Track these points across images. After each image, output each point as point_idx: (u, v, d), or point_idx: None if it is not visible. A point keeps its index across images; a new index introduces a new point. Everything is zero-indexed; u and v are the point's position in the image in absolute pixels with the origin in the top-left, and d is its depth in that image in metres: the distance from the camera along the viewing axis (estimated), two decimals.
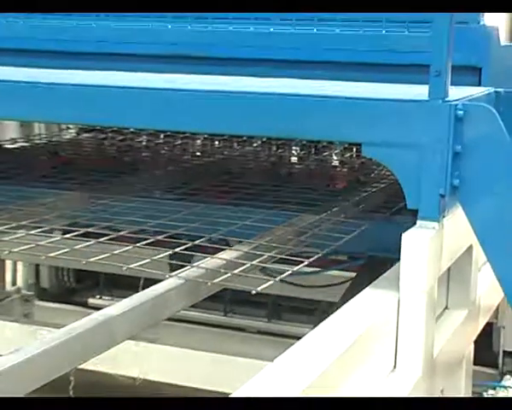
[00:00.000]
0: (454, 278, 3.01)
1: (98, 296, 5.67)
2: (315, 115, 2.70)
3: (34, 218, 3.14)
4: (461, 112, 2.47)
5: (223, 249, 2.75)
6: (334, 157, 4.31)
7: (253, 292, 2.28)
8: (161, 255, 2.54)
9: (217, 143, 4.76)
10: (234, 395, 1.77)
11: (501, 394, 4.21)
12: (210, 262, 2.60)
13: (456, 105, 2.48)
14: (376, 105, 2.64)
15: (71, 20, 3.69)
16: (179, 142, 4.76)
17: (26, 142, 4.97)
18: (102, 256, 2.53)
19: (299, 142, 4.51)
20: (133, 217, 3.02)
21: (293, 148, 4.61)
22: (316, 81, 3.08)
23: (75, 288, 6.04)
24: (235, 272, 2.48)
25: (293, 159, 4.59)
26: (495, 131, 2.49)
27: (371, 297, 2.48)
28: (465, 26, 3.24)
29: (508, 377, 4.47)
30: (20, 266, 5.72)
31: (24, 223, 3.08)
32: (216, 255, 2.64)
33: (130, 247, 2.62)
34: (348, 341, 2.18)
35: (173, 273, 2.48)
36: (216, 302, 5.20)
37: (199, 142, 4.78)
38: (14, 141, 4.91)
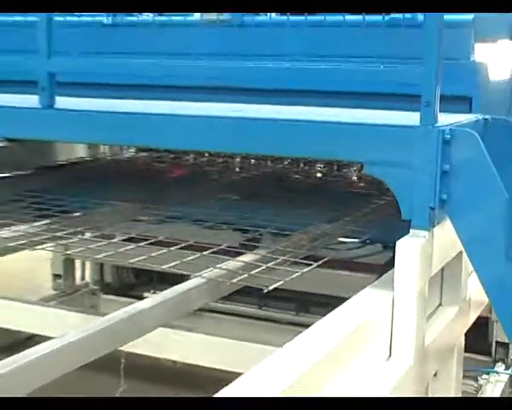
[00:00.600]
0: (446, 279, 3.13)
1: (152, 291, 5.84)
2: (326, 139, 2.86)
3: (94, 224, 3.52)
4: (448, 136, 2.61)
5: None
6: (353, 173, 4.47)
7: (265, 291, 2.50)
8: (191, 258, 2.77)
9: (252, 161, 5.01)
10: (242, 376, 1.93)
11: (492, 378, 4.38)
12: (231, 264, 2.80)
13: (444, 130, 2.62)
14: (375, 130, 2.78)
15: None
16: (221, 160, 5.06)
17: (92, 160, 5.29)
18: (142, 258, 2.79)
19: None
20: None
21: (318, 165, 4.84)
22: (321, 108, 3.27)
23: (134, 283, 6.27)
24: (252, 273, 2.69)
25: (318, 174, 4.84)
26: (477, 153, 2.61)
27: (369, 296, 2.63)
28: (457, 62, 3.35)
29: (499, 364, 4.69)
30: (87, 264, 5.96)
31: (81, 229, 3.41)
32: (236, 258, 2.85)
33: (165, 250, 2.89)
34: (348, 331, 2.34)
35: (197, 273, 2.68)
36: (252, 297, 5.41)
37: (238, 159, 5.03)
38: (82, 159, 5.24)
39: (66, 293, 5.78)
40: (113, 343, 2.51)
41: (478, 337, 4.25)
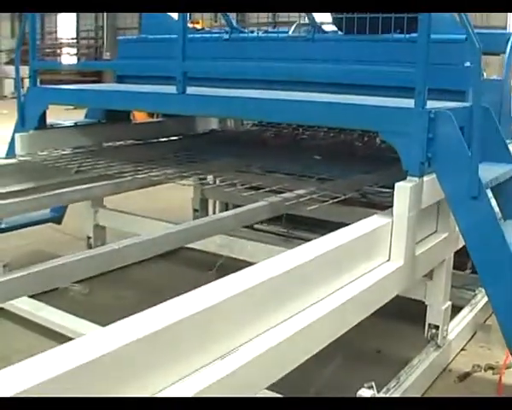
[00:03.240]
0: (440, 212, 3.36)
1: None
2: (358, 115, 3.19)
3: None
4: (432, 115, 2.90)
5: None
6: (378, 141, 4.65)
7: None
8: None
9: (331, 134, 5.21)
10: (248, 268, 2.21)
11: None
12: (287, 194, 3.20)
13: (430, 111, 2.90)
14: (387, 110, 3.11)
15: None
16: (309, 132, 5.32)
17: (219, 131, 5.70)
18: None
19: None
20: None
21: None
22: (359, 97, 3.54)
23: None
24: (300, 200, 3.08)
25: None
26: (451, 127, 2.88)
27: (376, 218, 2.95)
28: (455, 66, 3.61)
29: None
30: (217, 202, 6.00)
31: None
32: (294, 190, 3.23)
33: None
34: (359, 236, 2.69)
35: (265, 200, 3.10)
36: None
37: (322, 133, 5.24)
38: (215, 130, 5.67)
39: None
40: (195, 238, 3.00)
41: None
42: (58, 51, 29.82)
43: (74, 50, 31.13)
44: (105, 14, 28.03)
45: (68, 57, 30.23)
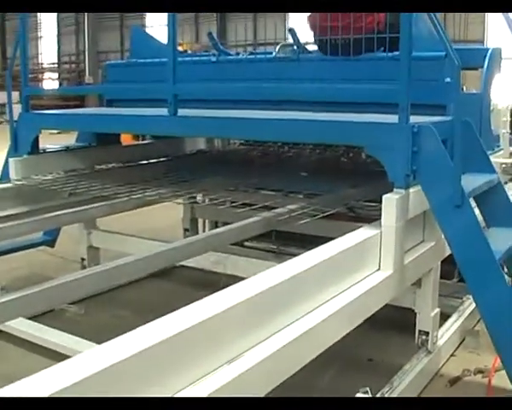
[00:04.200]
0: (427, 222, 3.46)
1: None
2: (344, 131, 3.32)
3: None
4: (416, 129, 3.03)
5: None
6: (363, 156, 4.72)
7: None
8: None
9: (317, 151, 5.34)
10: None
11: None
12: (279, 209, 3.32)
13: (414, 126, 3.03)
14: (372, 126, 3.23)
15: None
16: (295, 150, 5.44)
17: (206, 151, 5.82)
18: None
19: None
20: None
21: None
22: (345, 114, 3.65)
23: None
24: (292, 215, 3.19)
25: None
26: (434, 140, 3.02)
27: (366, 229, 3.07)
28: (436, 82, 3.72)
29: None
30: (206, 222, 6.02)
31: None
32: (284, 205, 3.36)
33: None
34: (349, 247, 2.80)
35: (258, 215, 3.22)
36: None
37: (307, 150, 5.38)
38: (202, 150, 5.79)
39: None
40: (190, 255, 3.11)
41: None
42: (40, 76, 29.88)
43: (56, 75, 31.21)
44: (86, 38, 28.15)
45: (50, 82, 30.31)
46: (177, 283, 5.34)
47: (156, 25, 26.49)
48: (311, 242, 2.88)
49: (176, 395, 1.82)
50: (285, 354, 2.26)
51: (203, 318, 1.97)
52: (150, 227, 6.37)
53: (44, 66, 31.57)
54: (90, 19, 28.08)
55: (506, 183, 4.42)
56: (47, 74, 31.17)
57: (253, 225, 3.25)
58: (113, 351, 1.72)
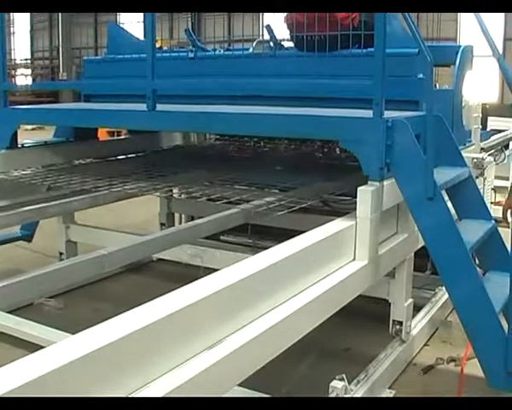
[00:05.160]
0: (400, 214, 3.57)
1: None
2: (320, 125, 3.40)
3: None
4: (390, 124, 3.12)
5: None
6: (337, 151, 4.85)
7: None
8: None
9: (292, 146, 5.46)
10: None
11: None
12: (257, 202, 3.39)
13: (388, 120, 3.13)
14: (347, 120, 3.31)
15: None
16: (270, 145, 5.55)
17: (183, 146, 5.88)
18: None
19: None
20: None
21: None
22: (321, 109, 3.73)
23: None
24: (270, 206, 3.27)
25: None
26: (407, 134, 3.10)
27: (342, 221, 3.16)
28: (409, 78, 3.84)
29: None
30: (183, 216, 6.05)
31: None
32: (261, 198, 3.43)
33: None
34: (324, 238, 2.87)
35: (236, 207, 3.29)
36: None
37: (283, 145, 5.49)
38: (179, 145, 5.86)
39: None
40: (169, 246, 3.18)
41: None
42: (13, 72, 29.61)
43: (29, 71, 30.96)
44: (60, 34, 27.97)
45: (23, 78, 30.06)
46: (156, 276, 5.40)
47: (129, 21, 26.37)
48: (286, 235, 2.94)
49: (154, 383, 1.87)
50: (261, 342, 2.32)
51: (179, 307, 2.01)
52: (126, 223, 6.41)
53: (17, 62, 31.28)
54: (64, 15, 27.89)
55: (477, 177, 4.54)
56: (20, 70, 30.90)
57: (229, 218, 3.32)
58: (87, 341, 1.75)
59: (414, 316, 4.05)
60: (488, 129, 6.36)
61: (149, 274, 5.45)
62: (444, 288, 3.99)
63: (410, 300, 3.88)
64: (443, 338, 4.25)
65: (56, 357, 1.66)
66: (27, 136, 5.83)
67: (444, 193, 3.25)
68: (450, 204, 3.39)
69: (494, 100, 19.68)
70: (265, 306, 2.45)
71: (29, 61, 32.08)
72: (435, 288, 4.63)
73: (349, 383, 3.09)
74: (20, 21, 32.22)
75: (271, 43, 4.52)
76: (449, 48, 4.44)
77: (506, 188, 4.80)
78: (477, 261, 3.55)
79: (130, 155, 5.23)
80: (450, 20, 22.01)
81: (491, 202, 5.59)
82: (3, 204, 3.93)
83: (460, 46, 4.35)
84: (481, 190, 3.61)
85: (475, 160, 4.66)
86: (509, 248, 3.15)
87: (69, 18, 28.70)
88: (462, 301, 3.11)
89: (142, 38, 4.15)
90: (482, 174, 4.75)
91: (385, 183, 3.19)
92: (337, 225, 3.09)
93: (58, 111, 4.72)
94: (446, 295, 4.04)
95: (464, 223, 3.48)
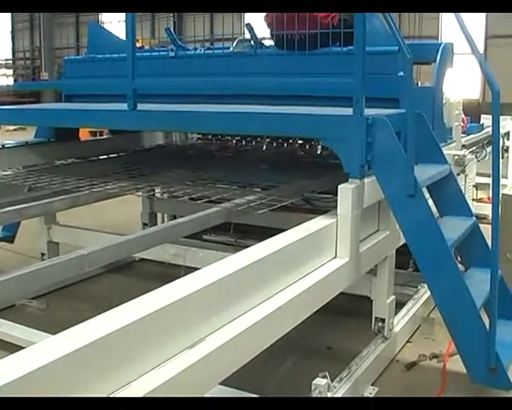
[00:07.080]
0: (381, 212, 3.57)
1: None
2: (302, 123, 3.40)
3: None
4: (370, 121, 3.12)
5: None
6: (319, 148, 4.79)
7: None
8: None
9: (274, 144, 5.38)
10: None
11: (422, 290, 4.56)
12: (238, 200, 3.39)
13: (368, 118, 3.13)
14: (328, 118, 3.33)
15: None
16: (253, 143, 5.53)
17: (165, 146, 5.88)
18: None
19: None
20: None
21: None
22: (302, 107, 3.74)
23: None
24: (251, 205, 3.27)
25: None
26: (387, 131, 3.11)
27: (323, 218, 3.15)
28: (390, 76, 3.86)
29: None
30: (165, 215, 6.03)
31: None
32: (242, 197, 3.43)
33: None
34: (307, 236, 2.87)
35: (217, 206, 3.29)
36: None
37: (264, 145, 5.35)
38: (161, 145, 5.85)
39: None
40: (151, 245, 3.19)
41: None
42: None
43: (11, 72, 30.77)
44: (42, 34, 27.81)
45: (5, 78, 29.86)
46: (138, 276, 5.39)
47: (109, 20, 26.26)
48: (269, 234, 2.95)
49: (136, 383, 1.86)
50: (243, 341, 2.31)
51: (159, 306, 2.00)
52: (109, 223, 6.38)
53: None
54: (45, 15, 27.73)
55: (458, 174, 4.57)
56: (1, 71, 30.69)
57: (210, 217, 3.31)
58: (67, 342, 1.74)
59: (396, 313, 4.06)
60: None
61: (132, 274, 5.45)
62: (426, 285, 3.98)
63: (393, 297, 3.90)
64: (425, 335, 4.27)
65: (36, 357, 1.64)
66: (9, 136, 5.80)
67: (425, 190, 3.27)
68: (431, 201, 3.42)
69: (476, 97, 19.80)
70: (247, 304, 2.44)
71: (10, 62, 31.85)
72: (417, 285, 4.64)
73: (332, 380, 3.12)
74: (1, 21, 32.01)
75: (252, 42, 4.52)
76: (429, 45, 4.47)
77: (487, 185, 4.82)
78: (458, 258, 3.59)
79: (111, 155, 5.21)
80: (431, 18, 22.19)
81: (473, 199, 5.64)
82: None
83: (440, 44, 4.39)
84: (462, 187, 3.63)
85: (456, 157, 4.70)
86: (489, 245, 3.18)
87: (51, 18, 28.54)
88: (443, 297, 3.14)
89: (123, 37, 4.12)
90: (463, 171, 4.79)
91: (366, 180, 3.20)
92: (318, 222, 3.09)
93: (39, 111, 4.70)
94: (429, 292, 4.05)
95: (445, 220, 3.51)
